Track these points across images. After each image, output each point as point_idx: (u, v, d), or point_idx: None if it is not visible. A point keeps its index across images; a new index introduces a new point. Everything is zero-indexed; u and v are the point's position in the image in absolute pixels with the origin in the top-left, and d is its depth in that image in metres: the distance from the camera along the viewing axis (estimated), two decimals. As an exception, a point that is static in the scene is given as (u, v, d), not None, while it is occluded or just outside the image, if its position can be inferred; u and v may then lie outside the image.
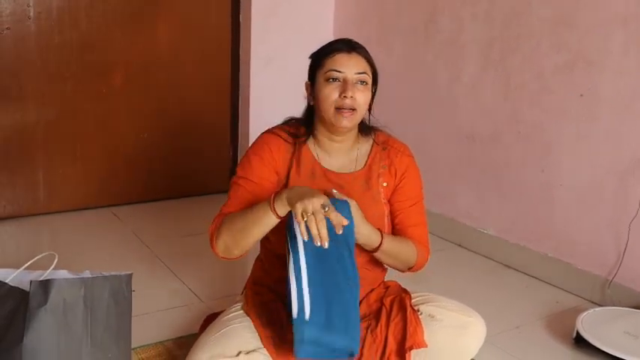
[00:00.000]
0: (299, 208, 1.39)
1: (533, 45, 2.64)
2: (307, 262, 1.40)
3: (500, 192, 2.86)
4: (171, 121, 3.45)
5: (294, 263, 1.40)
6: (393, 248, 1.64)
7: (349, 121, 1.60)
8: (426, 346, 1.58)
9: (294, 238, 1.42)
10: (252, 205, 1.57)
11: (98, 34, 3.15)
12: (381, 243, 1.60)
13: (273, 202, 1.47)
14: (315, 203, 1.39)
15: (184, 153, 3.53)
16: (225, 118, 3.65)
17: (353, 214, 1.49)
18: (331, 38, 3.78)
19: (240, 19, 3.51)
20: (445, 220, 3.11)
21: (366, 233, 1.55)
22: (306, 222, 1.39)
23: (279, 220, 1.49)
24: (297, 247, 1.41)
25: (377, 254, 1.62)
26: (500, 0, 2.76)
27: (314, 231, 1.38)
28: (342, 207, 1.47)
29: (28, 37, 2.99)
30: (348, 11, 3.58)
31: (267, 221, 1.49)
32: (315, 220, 1.38)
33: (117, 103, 3.28)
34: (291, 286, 1.37)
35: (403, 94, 3.28)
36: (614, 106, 2.40)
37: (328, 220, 1.40)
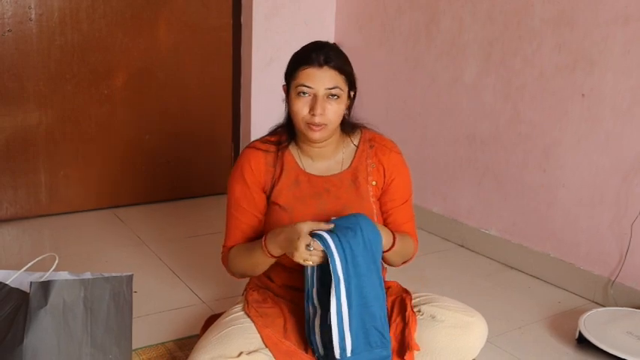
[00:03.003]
0: (298, 259, 1.48)
1: (535, 45, 2.64)
2: (348, 296, 1.48)
3: (502, 192, 2.86)
4: (172, 123, 3.46)
5: (337, 304, 1.47)
6: (401, 247, 1.66)
7: (320, 134, 1.61)
8: (418, 349, 1.58)
9: (337, 281, 1.47)
10: (248, 236, 1.71)
11: (99, 36, 3.15)
12: (394, 243, 1.63)
13: (267, 248, 1.57)
14: (302, 251, 1.46)
15: (186, 154, 3.53)
16: (227, 119, 3.65)
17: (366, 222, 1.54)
18: (332, 39, 3.79)
19: (242, 20, 3.51)
20: (447, 220, 3.11)
21: (384, 236, 1.58)
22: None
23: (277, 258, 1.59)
24: (339, 288, 1.47)
25: (386, 254, 1.64)
26: (501, 0, 2.76)
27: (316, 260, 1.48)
28: (366, 225, 1.53)
29: (29, 39, 2.99)
30: (349, 12, 3.57)
31: (268, 262, 1.62)
32: (312, 260, 1.47)
33: (118, 104, 3.28)
34: (333, 329, 1.47)
35: (404, 95, 3.28)
36: (615, 106, 2.39)
37: (356, 241, 1.48)
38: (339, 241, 1.47)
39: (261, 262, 1.62)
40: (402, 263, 1.76)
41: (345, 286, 1.47)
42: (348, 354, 1.48)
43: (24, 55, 2.99)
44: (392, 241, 1.62)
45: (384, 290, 1.55)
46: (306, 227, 1.48)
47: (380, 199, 1.73)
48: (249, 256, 1.64)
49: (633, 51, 2.31)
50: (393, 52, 3.31)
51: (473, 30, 2.90)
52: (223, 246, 1.76)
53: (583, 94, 2.49)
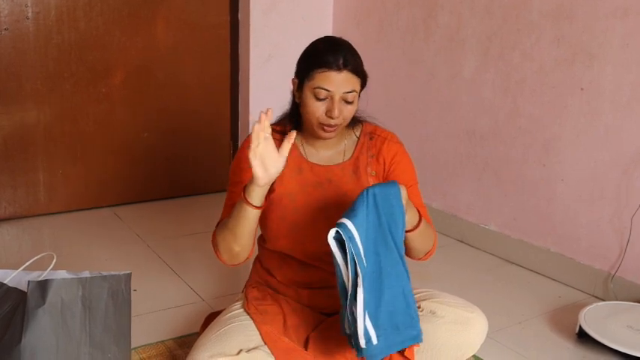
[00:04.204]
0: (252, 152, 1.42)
1: (533, 39, 2.63)
2: (365, 287, 1.39)
3: (502, 187, 2.85)
4: (171, 120, 3.45)
5: (354, 296, 1.39)
6: (425, 228, 1.59)
7: (333, 134, 1.62)
8: (418, 346, 1.57)
9: (354, 272, 1.39)
10: None
11: (97, 34, 3.14)
12: (419, 221, 1.55)
13: (244, 195, 1.48)
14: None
15: (184, 152, 3.53)
16: (225, 116, 3.65)
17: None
18: (330, 35, 3.77)
19: (239, 17, 3.50)
20: (446, 216, 3.10)
21: (409, 212, 1.50)
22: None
23: (258, 210, 1.50)
24: (357, 279, 1.39)
25: (412, 234, 1.56)
26: (500, -6, 2.75)
27: (260, 129, 1.43)
28: (391, 190, 1.45)
29: (26, 37, 2.98)
30: (347, 8, 3.56)
31: (247, 215, 1.50)
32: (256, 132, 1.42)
33: (116, 102, 3.28)
34: (358, 322, 1.39)
35: (403, 91, 3.27)
36: (615, 100, 2.39)
37: (378, 220, 1.42)
38: (361, 223, 1.40)
39: (239, 217, 1.51)
40: (425, 255, 1.68)
41: (362, 271, 1.38)
42: (374, 342, 1.40)
43: (21, 54, 2.99)
44: (418, 218, 1.55)
45: (406, 266, 1.46)
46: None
47: None
48: (231, 217, 1.55)
49: (632, 44, 2.31)
50: (391, 47, 3.30)
51: (471, 24, 2.89)
52: (217, 223, 1.68)
53: (582, 88, 2.48)
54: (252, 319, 1.63)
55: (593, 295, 2.50)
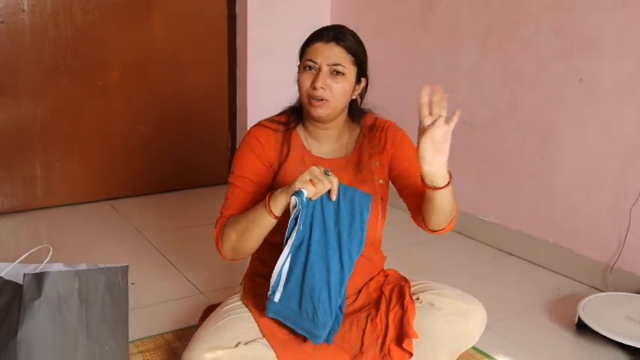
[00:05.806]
0: (306, 176, 1.43)
1: (532, 30, 2.62)
2: (295, 245, 1.46)
3: (500, 179, 2.84)
4: (168, 114, 3.44)
5: (285, 248, 1.47)
6: (452, 191, 1.52)
7: (322, 111, 1.60)
8: (417, 337, 1.56)
9: (291, 227, 1.46)
10: (250, 204, 1.60)
11: (93, 27, 3.13)
12: (450, 181, 1.47)
13: (269, 203, 1.48)
14: (316, 170, 1.44)
15: (182, 145, 3.52)
16: (223, 109, 3.64)
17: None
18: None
19: (237, 10, 3.49)
20: (445, 208, 3.09)
21: (442, 165, 1.43)
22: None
23: (276, 221, 1.49)
24: (290, 232, 1.46)
25: (441, 192, 1.47)
26: (498, -15, 2.73)
27: (329, 186, 1.44)
28: (361, 196, 1.50)
29: (22, 30, 2.97)
30: (345, 0, 3.55)
31: (265, 223, 1.50)
32: (324, 180, 1.43)
33: (113, 96, 3.27)
34: (276, 267, 1.47)
35: (401, 83, 3.26)
36: (613, 91, 2.38)
37: (341, 211, 1.46)
38: (321, 202, 1.46)
39: (255, 222, 1.51)
40: (448, 225, 1.61)
41: (297, 237, 1.45)
42: (276, 299, 1.47)
43: (17, 48, 2.97)
44: (449, 178, 1.46)
45: (344, 276, 1.48)
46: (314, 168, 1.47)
47: (391, 174, 1.70)
48: (244, 218, 1.55)
49: (631, 35, 2.30)
50: (389, 40, 3.29)
51: (470, 16, 2.87)
52: (220, 217, 1.66)
53: (581, 79, 2.47)
54: (250, 311, 1.62)
55: (592, 286, 2.50)
